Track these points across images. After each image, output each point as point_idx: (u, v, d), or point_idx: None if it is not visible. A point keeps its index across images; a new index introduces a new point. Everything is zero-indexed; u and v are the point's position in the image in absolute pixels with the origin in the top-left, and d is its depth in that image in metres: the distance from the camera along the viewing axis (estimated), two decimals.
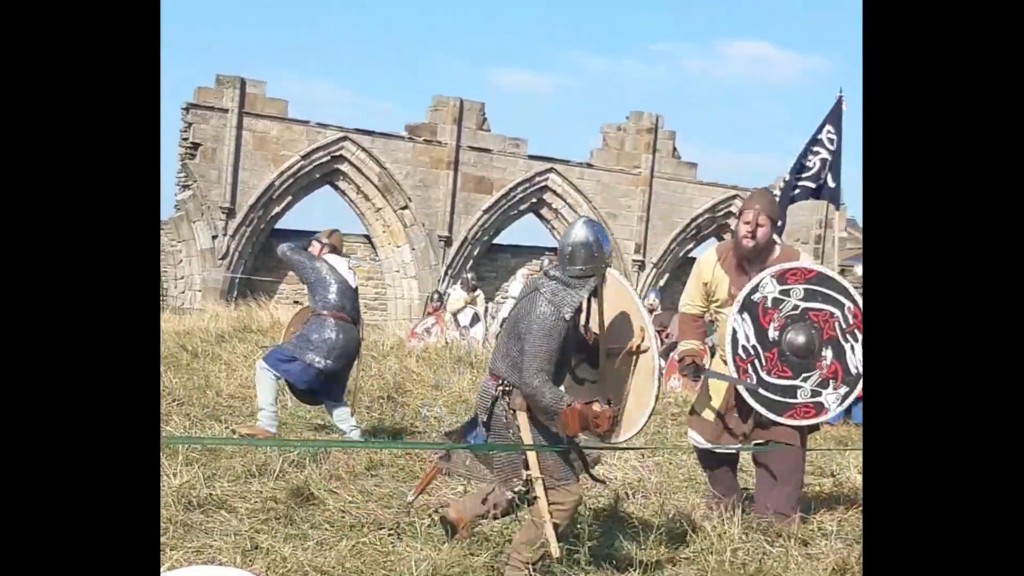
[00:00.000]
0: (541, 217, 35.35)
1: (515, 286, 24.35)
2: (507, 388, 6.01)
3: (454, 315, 22.05)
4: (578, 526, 6.21)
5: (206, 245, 29.36)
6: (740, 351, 7.31)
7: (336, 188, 32.28)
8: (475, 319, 22.05)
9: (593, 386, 6.34)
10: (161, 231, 27.83)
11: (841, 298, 7.23)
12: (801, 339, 7.24)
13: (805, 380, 7.24)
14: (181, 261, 29.56)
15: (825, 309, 7.24)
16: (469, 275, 24.33)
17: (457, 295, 22.62)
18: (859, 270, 16.50)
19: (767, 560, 6.50)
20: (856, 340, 7.22)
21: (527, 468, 5.95)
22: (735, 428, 7.55)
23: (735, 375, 7.34)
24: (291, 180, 30.64)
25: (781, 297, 7.27)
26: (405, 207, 32.06)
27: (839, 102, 16.47)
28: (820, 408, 7.28)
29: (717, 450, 7.63)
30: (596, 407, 5.79)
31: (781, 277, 7.28)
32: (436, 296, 25.17)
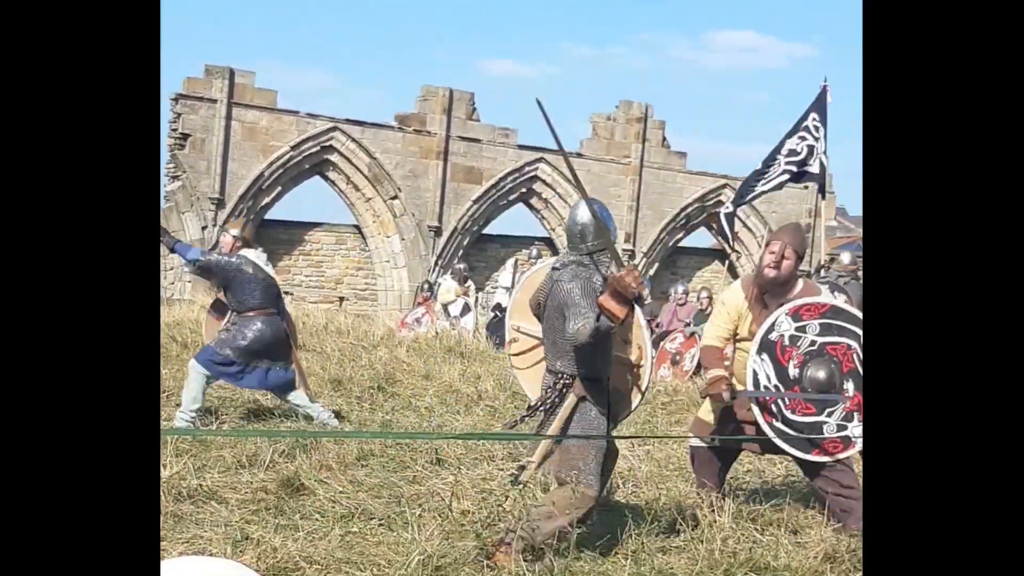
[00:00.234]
0: (531, 207, 35.34)
1: (505, 276, 24.30)
2: (568, 381, 6.24)
3: (444, 306, 22.05)
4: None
5: (195, 236, 29.28)
6: (762, 391, 7.24)
7: (326, 178, 32.22)
8: (466, 309, 22.04)
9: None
10: None
11: (856, 329, 7.14)
12: (822, 374, 7.16)
13: (830, 415, 7.15)
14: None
15: (842, 342, 7.17)
16: (460, 266, 24.31)
17: (448, 286, 22.62)
18: (845, 258, 16.48)
19: (757, 549, 6.50)
20: None
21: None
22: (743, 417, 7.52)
23: (760, 418, 7.25)
24: (280, 171, 30.58)
25: (797, 334, 7.22)
26: (395, 197, 32.02)
27: (824, 91, 16.50)
28: (847, 442, 7.16)
29: (716, 443, 7.61)
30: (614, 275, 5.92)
31: (796, 314, 7.23)
32: (426, 286, 25.17)
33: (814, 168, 16.18)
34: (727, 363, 7.66)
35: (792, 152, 16.19)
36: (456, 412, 11.26)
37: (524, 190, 34.58)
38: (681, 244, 37.05)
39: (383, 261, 32.65)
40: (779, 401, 7.19)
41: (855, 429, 7.12)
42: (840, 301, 7.37)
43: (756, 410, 7.25)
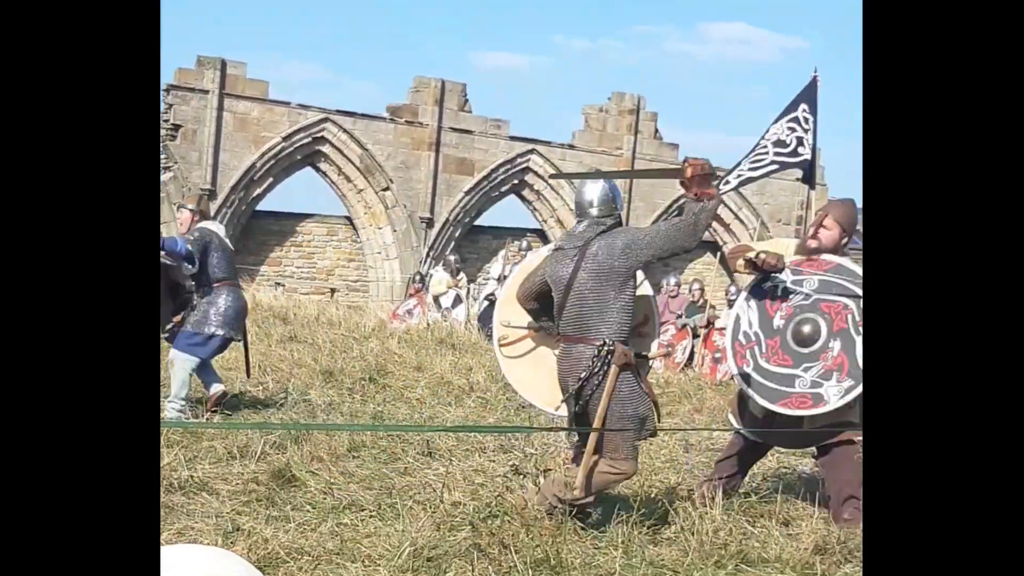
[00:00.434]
0: (523, 198, 35.36)
1: (496, 267, 24.32)
2: (611, 348, 6.35)
3: (436, 298, 22.05)
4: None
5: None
6: (740, 336, 7.19)
7: (317, 170, 32.20)
8: (457, 301, 22.06)
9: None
10: None
11: (857, 290, 6.92)
12: (806, 328, 7.03)
13: (806, 370, 6.98)
14: None
15: (839, 301, 7.00)
16: (452, 258, 24.33)
17: (440, 277, 22.63)
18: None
19: (748, 540, 6.52)
20: None
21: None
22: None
23: (732, 363, 7.23)
24: (272, 162, 30.54)
25: (792, 287, 7.14)
26: (387, 188, 32.00)
27: (814, 81, 16.48)
28: (819, 399, 6.94)
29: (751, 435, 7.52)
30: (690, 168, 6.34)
31: (796, 268, 7.18)
32: (418, 277, 25.16)
33: (805, 155, 16.14)
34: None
35: (781, 143, 16.17)
36: (447, 404, 11.26)
37: (516, 181, 34.60)
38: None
39: (375, 252, 32.64)
40: (756, 348, 7.13)
41: (830, 388, 6.93)
42: (847, 261, 7.18)
43: (729, 353, 7.26)
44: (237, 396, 10.84)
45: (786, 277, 7.17)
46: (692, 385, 15.68)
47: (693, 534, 6.37)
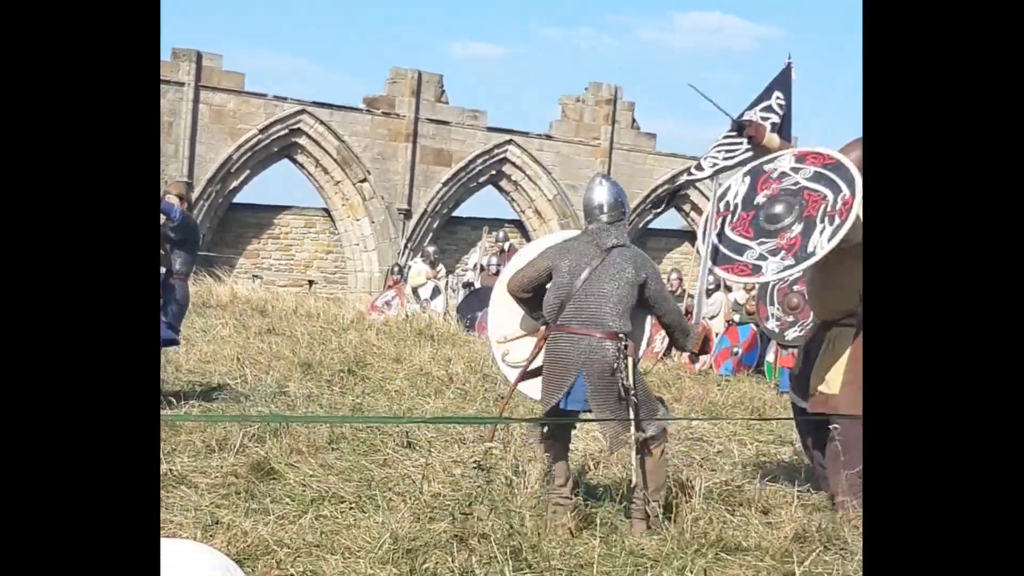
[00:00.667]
0: (500, 189, 35.35)
1: (474, 258, 24.33)
2: (627, 342, 6.56)
3: (415, 289, 22.03)
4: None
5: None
6: (722, 204, 7.31)
7: (294, 162, 32.14)
8: (436, 292, 22.04)
9: None
10: None
11: (843, 186, 6.92)
12: (778, 208, 7.07)
13: (760, 245, 7.03)
14: None
15: (820, 191, 6.98)
16: (431, 249, 24.30)
17: (419, 269, 22.61)
18: None
19: (728, 529, 6.53)
20: (831, 224, 6.84)
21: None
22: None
23: (709, 224, 7.37)
24: (249, 154, 30.47)
25: (789, 173, 7.17)
26: (364, 180, 31.96)
27: (788, 68, 16.49)
28: (756, 270, 7.03)
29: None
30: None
31: (801, 157, 7.22)
32: (396, 269, 25.14)
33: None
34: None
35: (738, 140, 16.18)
36: (427, 395, 11.25)
37: (494, 172, 34.60)
38: (651, 225, 37.09)
39: (353, 244, 32.60)
40: (729, 217, 7.24)
41: (771, 263, 6.96)
42: (850, 163, 7.10)
43: (711, 215, 7.41)
44: (215, 390, 10.81)
45: (787, 163, 7.22)
46: (671, 375, 15.72)
47: (673, 523, 6.38)
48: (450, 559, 5.54)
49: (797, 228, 6.96)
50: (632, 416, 6.46)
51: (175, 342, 10.39)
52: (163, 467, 7.21)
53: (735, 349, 17.66)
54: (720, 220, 7.22)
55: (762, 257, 7.00)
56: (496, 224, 32.70)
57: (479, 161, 33.97)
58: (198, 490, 6.86)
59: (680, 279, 20.71)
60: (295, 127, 31.18)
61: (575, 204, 34.05)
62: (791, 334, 14.90)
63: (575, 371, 6.53)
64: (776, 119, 16.57)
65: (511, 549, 5.75)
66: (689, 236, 36.01)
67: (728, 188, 7.31)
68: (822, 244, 6.76)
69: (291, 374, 11.96)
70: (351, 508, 6.62)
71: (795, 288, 14.64)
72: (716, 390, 13.85)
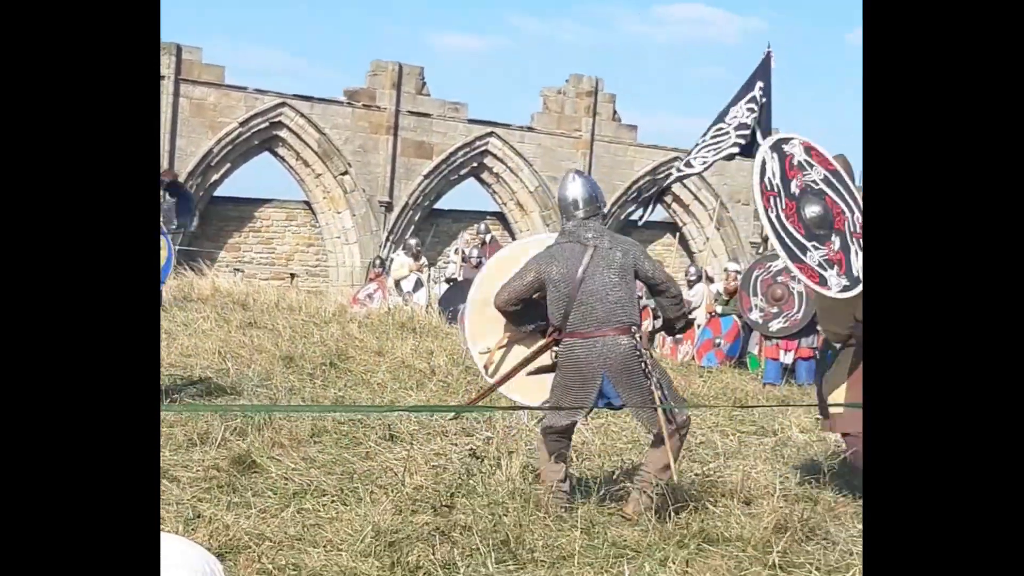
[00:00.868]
0: (482, 181, 35.35)
1: (456, 248, 24.34)
2: (641, 333, 6.72)
3: (397, 282, 22.02)
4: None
5: None
6: (767, 181, 6.99)
7: (275, 155, 32.08)
8: (418, 285, 22.04)
9: None
10: None
11: (852, 204, 6.98)
12: (818, 209, 6.94)
13: (816, 249, 6.86)
14: None
15: (839, 203, 6.98)
16: (413, 241, 24.28)
17: (401, 261, 22.59)
18: None
19: (709, 519, 6.54)
20: (859, 248, 6.85)
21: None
22: None
23: (759, 198, 7.04)
24: (229, 147, 30.39)
25: (805, 166, 7.06)
26: (345, 173, 31.92)
27: (768, 57, 16.50)
28: (824, 281, 6.87)
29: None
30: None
31: (807, 149, 7.12)
32: (378, 262, 25.10)
33: (760, 138, 16.18)
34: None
35: (743, 126, 16.19)
36: (409, 388, 11.25)
37: (475, 164, 34.59)
38: (632, 217, 37.13)
39: (334, 237, 32.56)
40: (777, 200, 6.97)
41: (831, 276, 6.86)
42: (843, 173, 7.07)
43: (756, 192, 7.04)
44: (197, 383, 10.79)
45: (800, 152, 7.10)
46: None
47: (654, 513, 6.39)
48: (432, 551, 5.55)
49: (836, 241, 6.95)
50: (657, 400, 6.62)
51: None
52: None
53: (717, 340, 17.68)
54: (773, 200, 6.96)
55: (821, 266, 6.91)
56: (478, 216, 32.73)
57: (460, 153, 33.96)
58: (180, 484, 6.85)
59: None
60: (276, 120, 31.12)
61: (556, 195, 34.08)
62: (775, 325, 14.96)
63: (598, 374, 6.58)
64: (758, 110, 16.59)
65: (494, 541, 5.76)
66: (671, 227, 36.04)
67: (763, 163, 7.04)
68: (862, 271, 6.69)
69: (273, 367, 11.94)
70: (333, 501, 6.62)
71: (779, 279, 14.69)
72: (699, 381, 13.86)
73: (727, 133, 16.31)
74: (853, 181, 7.31)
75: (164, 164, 28.77)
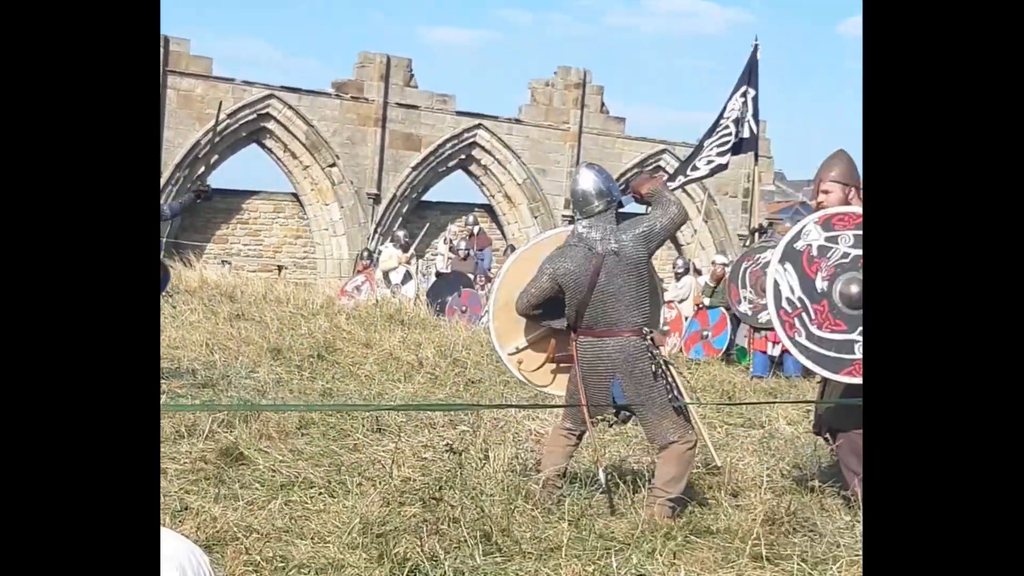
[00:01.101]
0: (470, 173, 35.34)
1: (443, 244, 24.35)
2: (652, 335, 6.67)
3: (385, 273, 22.01)
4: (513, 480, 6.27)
5: None
6: (784, 304, 6.73)
7: (263, 146, 32.02)
8: (407, 277, 22.04)
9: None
10: None
11: None
12: (854, 288, 6.51)
13: (861, 334, 6.34)
14: None
15: None
16: (401, 233, 24.29)
17: (390, 253, 22.60)
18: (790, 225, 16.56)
19: (697, 512, 6.55)
20: None
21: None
22: None
23: (781, 332, 6.84)
24: (217, 139, 30.32)
25: (828, 244, 6.69)
26: (333, 165, 31.87)
27: (755, 51, 16.55)
28: None
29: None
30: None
31: (826, 223, 6.74)
32: (366, 254, 25.09)
33: (746, 132, 16.24)
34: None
35: (740, 120, 16.27)
36: (397, 380, 11.24)
37: (463, 156, 34.57)
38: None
39: (322, 229, 32.52)
40: (804, 315, 6.69)
41: None
42: None
43: (776, 323, 6.80)
44: (185, 375, 10.78)
45: (818, 235, 6.75)
46: None
47: (643, 507, 6.40)
48: (420, 543, 5.54)
49: None
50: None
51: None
52: None
53: (705, 333, 17.71)
54: (796, 321, 6.71)
55: None
56: (466, 209, 32.72)
57: (448, 145, 33.94)
58: (167, 476, 6.83)
59: None
60: (263, 112, 31.06)
61: (544, 188, 34.15)
62: (764, 317, 14.95)
63: (609, 374, 6.60)
64: (741, 111, 16.64)
65: (481, 533, 5.76)
66: None
67: (776, 286, 6.80)
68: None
69: (261, 359, 11.93)
70: (321, 493, 6.62)
71: (767, 271, 14.71)
72: (687, 373, 13.87)
73: (729, 130, 16.36)
74: (856, 179, 7.15)
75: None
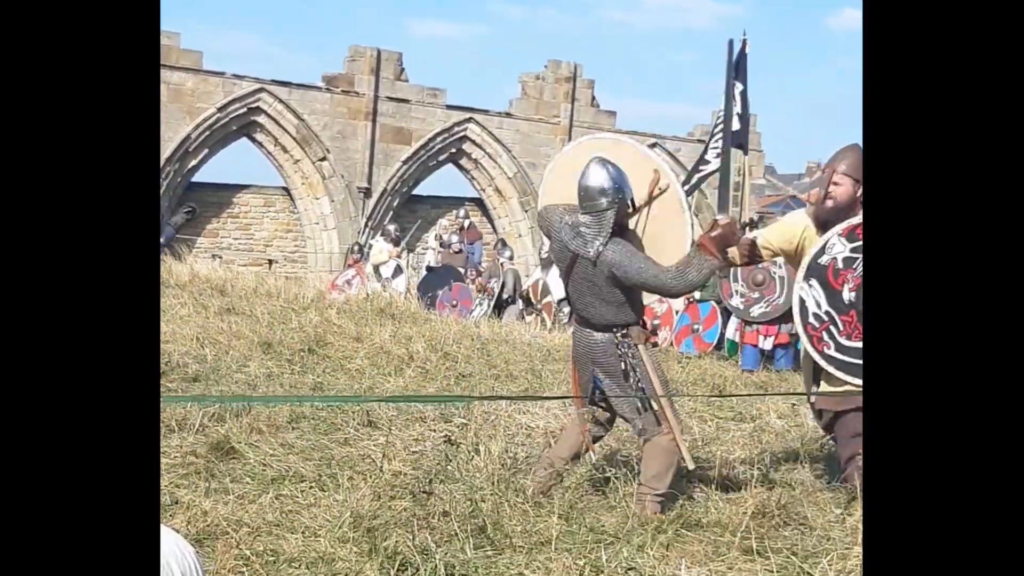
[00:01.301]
0: (460, 167, 35.34)
1: (433, 239, 24.37)
2: (625, 331, 6.55)
3: (376, 267, 22.01)
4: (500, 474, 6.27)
5: None
6: (812, 319, 6.72)
7: (253, 140, 31.99)
8: (398, 271, 22.03)
9: None
10: None
11: None
12: None
13: None
14: None
15: None
16: (392, 227, 24.28)
17: (381, 247, 22.58)
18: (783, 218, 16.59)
19: (688, 505, 6.56)
20: None
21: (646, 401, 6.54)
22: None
23: (809, 348, 6.80)
24: (207, 133, 30.29)
25: (853, 256, 6.62)
26: (323, 159, 31.86)
27: (743, 45, 16.61)
28: None
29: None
30: (715, 228, 6.40)
31: (851, 234, 6.65)
32: (356, 248, 25.08)
33: (735, 126, 16.33)
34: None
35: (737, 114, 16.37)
36: (387, 373, 11.24)
37: (454, 150, 34.57)
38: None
39: (312, 223, 32.51)
40: (832, 327, 6.68)
41: None
42: None
43: (804, 339, 6.79)
44: (176, 369, 10.76)
45: (844, 246, 6.69)
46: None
47: (633, 499, 6.41)
48: (411, 537, 5.55)
49: None
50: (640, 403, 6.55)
51: None
52: None
53: (696, 326, 17.70)
54: (825, 335, 6.71)
55: None
56: (457, 202, 32.72)
57: (439, 139, 33.94)
58: None
59: None
60: (254, 106, 31.03)
61: (535, 182, 34.09)
62: (756, 310, 14.96)
63: (587, 362, 6.67)
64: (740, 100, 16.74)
65: (472, 527, 5.76)
66: None
67: (802, 303, 6.76)
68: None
69: (251, 353, 11.92)
70: (311, 487, 6.62)
71: (760, 265, 14.72)
72: (677, 367, 13.88)
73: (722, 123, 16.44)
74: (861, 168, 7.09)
75: None
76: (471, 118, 34.32)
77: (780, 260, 10.56)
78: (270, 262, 31.60)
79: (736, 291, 15.11)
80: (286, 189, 32.62)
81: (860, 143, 7.22)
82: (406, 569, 5.22)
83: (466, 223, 26.32)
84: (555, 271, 16.08)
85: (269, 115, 31.26)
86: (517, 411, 8.88)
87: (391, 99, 32.77)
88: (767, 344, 15.00)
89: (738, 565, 5.63)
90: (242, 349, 11.97)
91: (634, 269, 6.38)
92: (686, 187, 18.32)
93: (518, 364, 12.20)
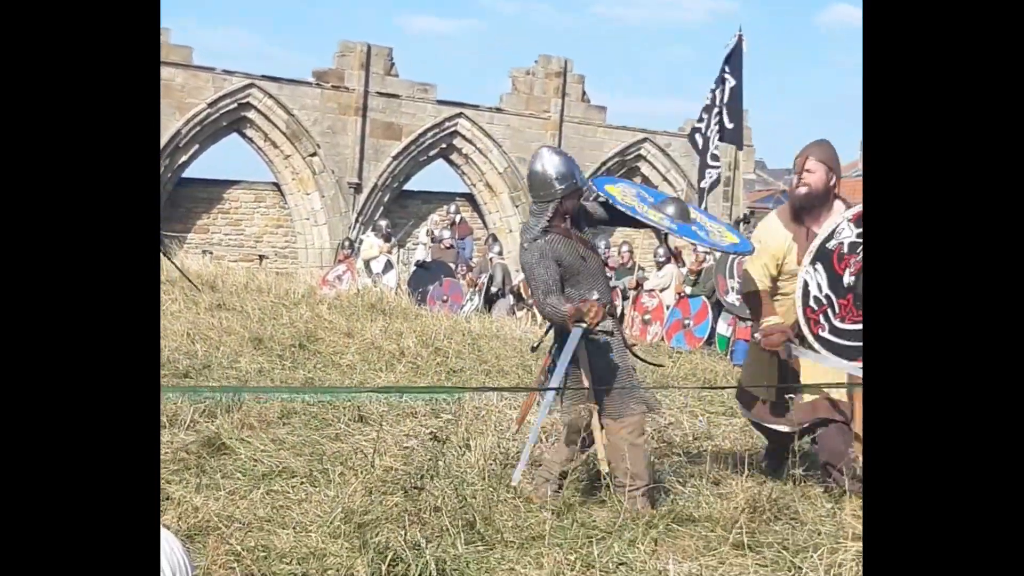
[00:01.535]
0: (451, 163, 35.28)
1: (424, 234, 24.36)
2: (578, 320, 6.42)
3: (367, 263, 22.00)
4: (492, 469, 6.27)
5: None
6: (812, 302, 6.80)
7: (243, 136, 31.90)
8: (388, 266, 22.02)
9: None
10: None
11: None
12: None
13: None
14: None
15: None
16: (383, 223, 24.27)
17: (372, 242, 22.57)
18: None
19: (679, 500, 6.57)
20: None
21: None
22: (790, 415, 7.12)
23: (805, 329, 6.87)
24: (197, 128, 30.19)
25: (859, 240, 6.69)
26: (314, 154, 31.79)
27: (739, 41, 16.62)
28: None
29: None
30: (587, 303, 6.16)
31: (859, 220, 6.69)
32: (347, 243, 25.06)
33: (728, 122, 16.35)
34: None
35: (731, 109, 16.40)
36: (378, 369, 11.24)
37: (444, 146, 34.50)
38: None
39: (303, 219, 32.44)
40: (828, 311, 6.79)
41: None
42: None
43: (801, 321, 6.85)
44: (166, 365, 10.75)
45: (851, 232, 6.78)
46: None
47: (624, 495, 6.41)
48: (402, 533, 5.55)
49: None
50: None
51: None
52: None
53: (687, 321, 17.73)
54: (822, 318, 6.81)
55: None
56: (447, 198, 32.68)
57: (429, 134, 33.86)
58: None
59: (631, 251, 20.75)
60: (244, 101, 30.94)
61: (525, 177, 34.08)
62: None
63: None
64: (724, 90, 16.76)
65: (463, 522, 5.76)
66: None
67: (805, 286, 6.84)
68: None
69: (242, 349, 11.92)
70: (302, 483, 6.62)
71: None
72: (668, 362, 13.89)
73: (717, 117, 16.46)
74: (839, 169, 7.19)
75: None
76: (461, 113, 34.26)
77: None
78: (261, 258, 31.55)
79: (732, 288, 15.12)
80: (276, 185, 32.55)
81: (850, 139, 7.30)
82: (397, 564, 5.22)
83: (457, 218, 26.28)
84: None
85: (259, 111, 31.18)
86: (507, 406, 8.89)
87: (381, 94, 32.70)
88: None
89: (729, 560, 5.64)
90: (233, 345, 11.96)
91: (533, 276, 6.45)
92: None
93: (509, 359, 12.21)
